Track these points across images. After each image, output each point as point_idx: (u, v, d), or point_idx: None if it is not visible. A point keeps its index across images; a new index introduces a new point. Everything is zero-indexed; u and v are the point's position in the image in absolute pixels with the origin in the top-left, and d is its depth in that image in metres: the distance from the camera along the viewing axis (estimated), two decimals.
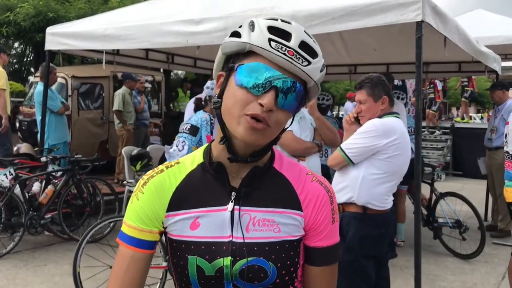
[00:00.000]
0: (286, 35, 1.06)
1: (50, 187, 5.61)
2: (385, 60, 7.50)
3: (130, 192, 6.82)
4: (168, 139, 10.04)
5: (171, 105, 11.99)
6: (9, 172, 5.39)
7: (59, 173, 5.87)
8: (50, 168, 5.91)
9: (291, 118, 1.13)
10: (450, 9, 4.97)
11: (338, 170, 3.06)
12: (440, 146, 13.11)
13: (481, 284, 4.82)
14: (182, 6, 5.20)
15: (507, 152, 3.86)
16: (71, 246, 5.62)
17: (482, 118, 28.09)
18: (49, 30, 5.96)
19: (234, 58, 1.10)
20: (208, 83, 4.35)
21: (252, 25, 1.08)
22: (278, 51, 1.03)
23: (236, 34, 1.10)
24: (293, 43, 1.05)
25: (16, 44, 16.68)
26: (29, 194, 5.57)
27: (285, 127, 1.14)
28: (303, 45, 1.07)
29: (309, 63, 1.06)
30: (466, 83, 14.90)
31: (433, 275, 4.98)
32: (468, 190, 9.75)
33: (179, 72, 16.65)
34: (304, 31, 1.10)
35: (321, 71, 1.10)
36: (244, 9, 4.37)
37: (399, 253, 5.46)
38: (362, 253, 2.85)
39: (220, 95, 1.11)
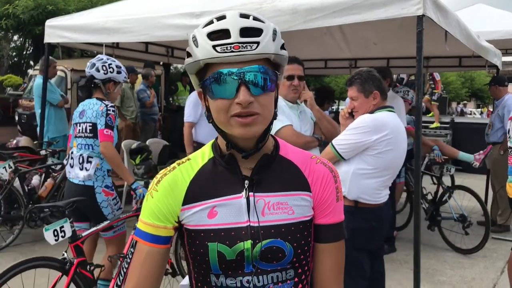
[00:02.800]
0: (226, 33, 1.10)
1: (49, 180, 5.60)
2: (385, 55, 7.48)
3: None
4: (167, 133, 10.03)
5: (171, 99, 11.96)
6: (9, 165, 5.37)
7: (59, 166, 5.86)
8: (49, 161, 5.91)
9: (276, 92, 1.22)
10: (450, 3, 4.94)
11: None
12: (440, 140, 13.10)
13: (480, 278, 4.84)
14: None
15: (511, 148, 3.83)
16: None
17: (481, 113, 28.13)
18: (48, 23, 5.93)
19: (200, 74, 1.18)
20: None
21: (195, 40, 1.14)
22: (226, 52, 1.09)
23: (188, 54, 1.18)
24: (234, 37, 1.09)
25: (15, 37, 16.64)
26: (29, 187, 5.57)
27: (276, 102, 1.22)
28: (245, 30, 1.10)
29: (258, 43, 1.10)
30: (433, 86, 14.68)
31: (432, 270, 4.99)
32: (467, 185, 9.75)
33: (179, 65, 16.62)
34: (241, 15, 1.13)
35: (274, 40, 1.14)
36: (244, 3, 4.35)
37: (398, 248, 5.47)
38: (354, 246, 2.86)
39: (208, 109, 1.20)
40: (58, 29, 5.78)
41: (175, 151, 7.52)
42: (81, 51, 11.45)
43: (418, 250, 3.78)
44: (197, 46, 1.13)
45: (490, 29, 7.44)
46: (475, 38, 5.23)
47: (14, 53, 18.06)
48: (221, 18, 1.13)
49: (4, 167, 5.35)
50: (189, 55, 1.18)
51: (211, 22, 1.14)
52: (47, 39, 5.92)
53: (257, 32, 1.11)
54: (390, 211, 3.15)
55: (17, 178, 5.34)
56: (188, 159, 1.29)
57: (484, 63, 6.44)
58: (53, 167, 5.85)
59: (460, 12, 8.05)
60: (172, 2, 5.22)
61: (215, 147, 1.28)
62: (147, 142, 7.21)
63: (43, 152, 6.03)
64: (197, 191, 1.23)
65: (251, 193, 1.20)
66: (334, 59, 8.24)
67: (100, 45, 5.93)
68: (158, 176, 1.26)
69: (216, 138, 1.28)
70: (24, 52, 17.38)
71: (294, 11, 4.08)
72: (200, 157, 1.28)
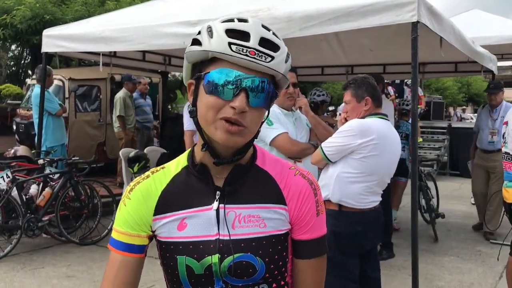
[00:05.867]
0: (245, 35, 1.06)
1: (47, 190, 5.60)
2: (381, 61, 7.52)
3: None
4: (165, 141, 10.05)
5: (169, 106, 11.97)
6: (6, 174, 5.38)
7: (57, 176, 5.86)
8: (47, 171, 5.91)
9: (267, 112, 1.16)
10: (445, 10, 4.99)
11: (322, 168, 3.12)
12: (437, 146, 13.14)
13: (478, 283, 4.84)
14: (179, 8, 5.22)
15: (507, 153, 3.80)
16: (68, 248, 5.62)
17: None
18: (46, 32, 5.96)
19: (200, 66, 1.12)
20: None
21: (210, 31, 1.09)
22: (240, 53, 1.04)
23: (196, 41, 1.11)
24: (253, 42, 1.05)
25: (13, 47, 16.68)
26: (27, 196, 5.56)
27: (263, 121, 1.16)
28: (264, 41, 1.07)
29: (272, 58, 1.07)
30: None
31: (431, 275, 4.99)
32: (465, 190, 9.76)
33: (177, 73, 16.66)
34: (263, 26, 1.10)
35: (286, 61, 1.11)
36: (240, 11, 4.38)
37: (396, 254, 5.47)
38: (339, 249, 2.89)
39: (194, 104, 1.14)
40: (56, 39, 5.81)
41: (173, 159, 7.53)
42: (79, 60, 11.48)
43: (416, 255, 3.79)
44: (211, 37, 1.07)
45: (486, 35, 7.48)
46: (470, 43, 5.26)
47: (12, 63, 18.09)
48: (243, 20, 1.10)
49: (2, 177, 5.36)
50: (195, 42, 1.11)
51: (231, 20, 1.10)
52: (45, 48, 5.94)
53: (274, 47, 1.09)
54: (381, 217, 3.16)
55: (15, 188, 5.33)
56: (163, 168, 1.25)
57: (480, 69, 6.47)
58: (51, 176, 5.85)
59: (456, 18, 8.12)
60: (168, 10, 5.26)
61: (190, 155, 1.23)
62: (145, 150, 7.22)
63: (41, 161, 6.03)
64: (168, 201, 1.18)
65: (221, 205, 1.15)
66: (331, 66, 8.28)
67: (97, 54, 5.96)
68: (132, 184, 1.22)
69: (194, 146, 1.24)
70: (22, 62, 17.42)
71: (289, 19, 4.11)
72: (174, 166, 1.24)
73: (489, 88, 6.53)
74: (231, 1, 4.83)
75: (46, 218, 5.51)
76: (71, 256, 5.35)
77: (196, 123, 1.14)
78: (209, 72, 1.08)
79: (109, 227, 5.98)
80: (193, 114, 1.14)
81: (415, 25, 3.70)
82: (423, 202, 6.58)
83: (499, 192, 5.72)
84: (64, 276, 4.75)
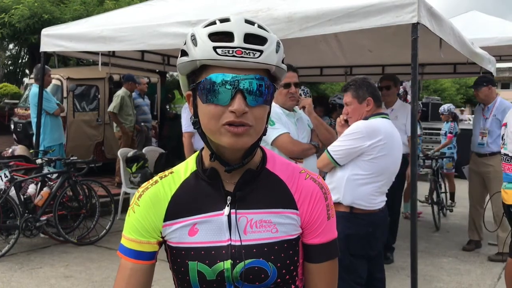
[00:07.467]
0: (229, 36, 1.04)
1: (45, 189, 5.59)
2: (380, 62, 7.51)
3: (126, 194, 6.81)
4: (164, 141, 10.03)
5: (168, 106, 11.94)
6: (4, 174, 5.36)
7: (55, 175, 5.85)
8: (45, 170, 5.89)
9: (269, 107, 1.14)
10: (445, 11, 4.99)
11: (328, 171, 3.11)
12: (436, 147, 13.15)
13: (477, 285, 4.84)
14: (178, 8, 5.20)
15: (507, 154, 3.76)
16: (66, 248, 5.60)
17: None
18: (44, 31, 5.94)
19: (193, 76, 1.10)
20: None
21: (194, 39, 1.07)
22: (226, 55, 1.02)
23: (184, 52, 1.10)
24: (237, 41, 1.03)
25: (11, 46, 16.63)
26: (25, 196, 5.54)
27: (268, 115, 1.13)
28: (249, 36, 1.05)
29: (261, 52, 1.04)
30: None
31: (429, 276, 4.99)
32: (464, 191, 9.76)
33: (175, 73, 16.64)
34: (246, 21, 1.08)
35: (277, 51, 1.08)
36: (240, 11, 4.37)
37: (396, 255, 5.47)
38: (349, 251, 2.89)
39: (196, 115, 1.12)
40: (54, 38, 5.79)
41: (172, 159, 7.53)
42: (77, 60, 11.46)
43: (415, 256, 3.78)
44: (195, 45, 1.05)
45: (485, 36, 7.47)
46: (470, 45, 5.26)
47: (10, 62, 18.06)
48: (225, 20, 1.08)
49: (0, 176, 5.34)
50: (184, 53, 1.09)
51: (213, 23, 1.08)
52: (43, 47, 5.92)
53: (262, 40, 1.06)
54: (387, 218, 3.16)
55: (13, 187, 5.31)
56: (171, 172, 1.23)
57: (479, 70, 6.46)
58: (49, 176, 5.83)
59: (455, 19, 8.10)
60: (168, 10, 5.24)
61: (199, 160, 1.21)
62: (144, 150, 7.22)
63: (39, 161, 6.01)
64: (179, 206, 1.17)
65: (233, 210, 1.14)
66: (330, 67, 8.27)
67: (96, 53, 5.95)
68: (140, 190, 1.21)
69: (201, 149, 1.22)
70: (20, 61, 17.39)
71: (289, 19, 4.10)
72: (183, 170, 1.22)
73: (473, 84, 6.05)
74: (231, 1, 4.82)
75: (44, 218, 5.49)
76: (69, 256, 5.33)
77: (201, 134, 1.13)
78: (200, 81, 1.06)
79: (107, 227, 5.96)
80: (197, 125, 1.12)
81: (415, 26, 3.70)
82: (434, 194, 7.09)
83: (498, 193, 5.66)
84: (62, 276, 4.73)
